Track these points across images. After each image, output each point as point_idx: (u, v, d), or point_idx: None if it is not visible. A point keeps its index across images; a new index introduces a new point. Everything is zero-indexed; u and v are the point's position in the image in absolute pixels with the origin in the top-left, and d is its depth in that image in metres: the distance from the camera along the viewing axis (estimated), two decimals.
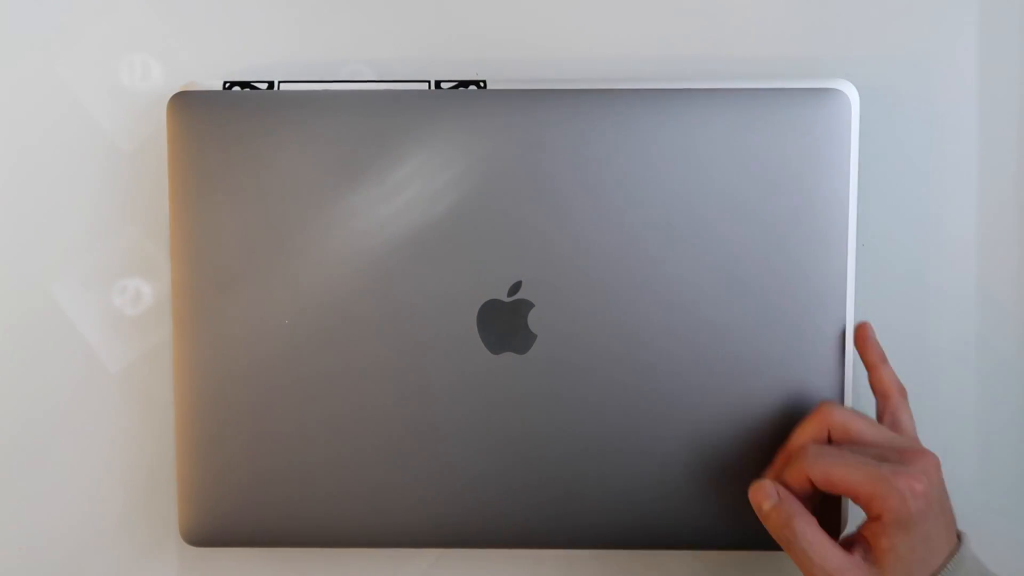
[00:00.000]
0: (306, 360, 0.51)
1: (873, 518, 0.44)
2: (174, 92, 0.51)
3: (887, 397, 0.50)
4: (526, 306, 0.50)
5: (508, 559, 0.56)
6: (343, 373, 0.51)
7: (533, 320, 0.50)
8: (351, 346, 0.50)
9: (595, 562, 0.56)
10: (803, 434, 0.48)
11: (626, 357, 0.50)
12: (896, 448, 0.46)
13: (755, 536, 0.51)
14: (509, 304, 0.50)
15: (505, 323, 0.50)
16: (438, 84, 0.52)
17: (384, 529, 0.52)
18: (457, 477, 0.51)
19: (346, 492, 0.51)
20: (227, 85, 0.52)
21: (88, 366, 0.55)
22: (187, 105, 0.51)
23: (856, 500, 0.44)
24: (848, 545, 0.47)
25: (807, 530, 0.45)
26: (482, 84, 0.51)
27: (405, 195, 0.50)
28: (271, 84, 0.52)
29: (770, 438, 0.51)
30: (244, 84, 0.52)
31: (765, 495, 0.46)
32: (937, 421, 0.54)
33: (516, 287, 0.50)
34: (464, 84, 0.52)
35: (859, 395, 0.52)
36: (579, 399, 0.51)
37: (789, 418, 0.51)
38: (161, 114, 0.51)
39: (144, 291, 0.55)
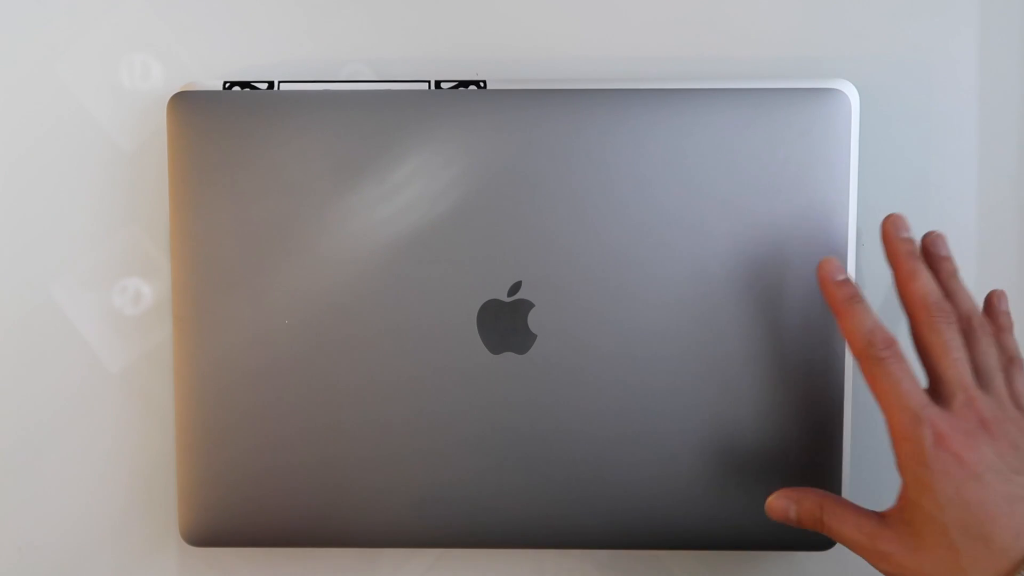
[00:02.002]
0: (306, 360, 0.51)
1: (896, 458, 0.41)
2: (174, 92, 0.51)
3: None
4: (526, 306, 0.50)
5: (508, 559, 0.56)
6: (343, 373, 0.51)
7: (533, 320, 0.50)
8: (351, 346, 0.50)
9: (595, 562, 0.56)
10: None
11: (626, 357, 0.50)
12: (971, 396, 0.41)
13: (755, 536, 0.51)
14: (509, 304, 0.50)
15: (505, 323, 0.50)
16: (438, 84, 0.52)
17: (384, 529, 0.51)
18: (457, 477, 0.51)
19: (346, 492, 0.51)
20: (227, 85, 0.52)
21: (88, 366, 0.55)
22: (187, 105, 0.51)
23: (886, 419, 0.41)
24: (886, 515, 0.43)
25: (837, 513, 0.43)
26: (482, 84, 0.51)
27: (405, 195, 0.50)
28: (271, 84, 0.52)
29: (770, 438, 0.51)
30: (244, 84, 0.52)
31: (784, 507, 0.45)
32: None
33: (516, 287, 0.50)
34: (464, 84, 0.52)
35: (859, 395, 0.52)
36: (579, 399, 0.51)
37: (789, 418, 0.51)
38: (161, 114, 0.52)
39: (144, 291, 0.55)
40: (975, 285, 0.55)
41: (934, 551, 0.39)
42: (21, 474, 0.56)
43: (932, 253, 0.47)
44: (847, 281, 0.45)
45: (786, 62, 0.54)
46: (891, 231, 0.46)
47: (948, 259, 0.47)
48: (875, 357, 0.42)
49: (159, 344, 0.55)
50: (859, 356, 0.43)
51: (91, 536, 0.56)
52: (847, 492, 0.52)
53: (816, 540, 0.51)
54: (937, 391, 0.42)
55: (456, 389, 0.51)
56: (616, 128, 0.50)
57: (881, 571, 0.42)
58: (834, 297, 0.44)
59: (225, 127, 0.50)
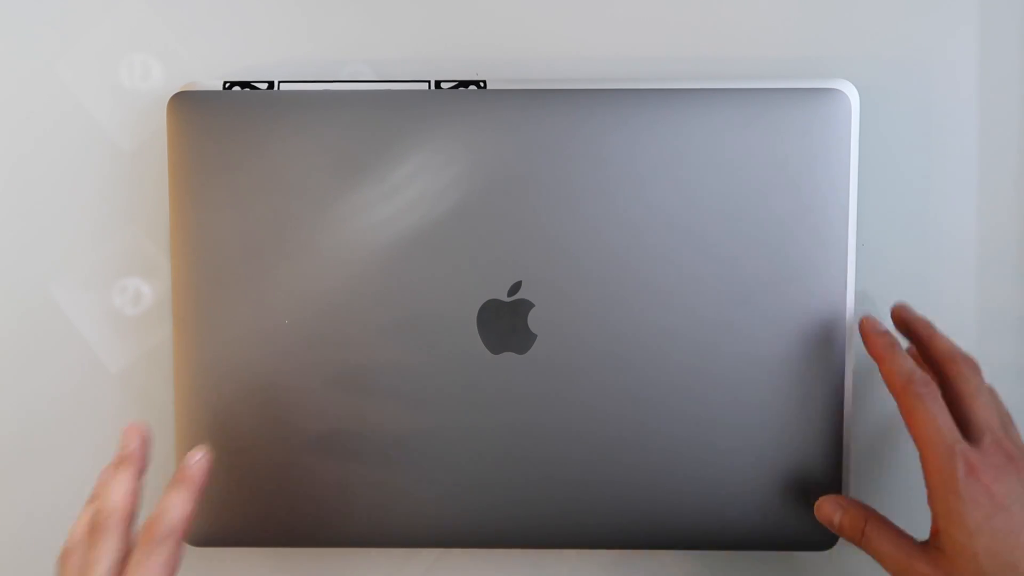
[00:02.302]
0: (306, 360, 0.51)
1: (927, 486, 0.44)
2: (174, 92, 0.51)
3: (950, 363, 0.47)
4: (526, 306, 0.50)
5: (508, 559, 0.56)
6: (343, 373, 0.51)
7: (533, 320, 0.50)
8: (351, 346, 0.50)
9: (595, 562, 0.56)
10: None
11: (626, 357, 0.50)
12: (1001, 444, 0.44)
13: (755, 536, 0.51)
14: (509, 304, 0.50)
15: (505, 323, 0.50)
16: (438, 84, 0.52)
17: (384, 529, 0.52)
18: (457, 477, 0.51)
19: (346, 492, 0.51)
20: (227, 85, 0.52)
21: (88, 366, 0.55)
22: (187, 105, 0.51)
23: (919, 449, 0.44)
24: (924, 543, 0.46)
25: (875, 531, 0.46)
26: (482, 84, 0.51)
27: (405, 195, 0.50)
28: (271, 84, 0.52)
29: (770, 437, 0.51)
30: (244, 84, 0.52)
31: (832, 510, 0.48)
32: None
33: (516, 287, 0.50)
34: (464, 84, 0.52)
35: (859, 395, 0.52)
36: (579, 399, 0.51)
37: (788, 416, 0.51)
38: (161, 114, 0.51)
39: (144, 291, 0.55)
40: (975, 286, 0.55)
41: (963, 575, 0.42)
42: (21, 473, 0.56)
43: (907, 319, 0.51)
44: (887, 332, 0.48)
45: (786, 62, 0.54)
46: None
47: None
48: (915, 393, 0.45)
49: (159, 344, 0.55)
50: (899, 392, 0.46)
51: None
52: (847, 492, 0.52)
53: (816, 540, 0.52)
54: (966, 432, 0.45)
55: (456, 389, 0.51)
56: (616, 128, 0.50)
57: None
58: (876, 344, 0.48)
59: (225, 127, 0.50)
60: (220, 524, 0.52)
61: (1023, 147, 0.55)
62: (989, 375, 0.55)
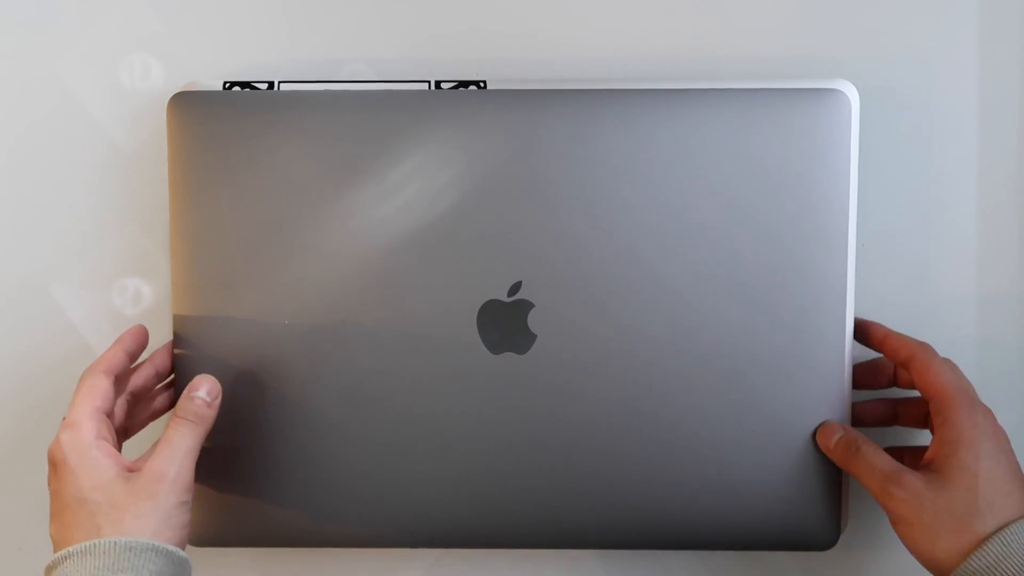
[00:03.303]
0: (306, 360, 0.51)
1: (940, 423, 0.47)
2: (174, 92, 0.51)
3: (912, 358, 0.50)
4: (526, 306, 0.50)
5: (508, 559, 0.56)
6: (343, 373, 0.51)
7: (533, 320, 0.50)
8: (351, 346, 0.50)
9: (596, 562, 0.56)
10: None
11: (626, 357, 0.50)
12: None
13: (755, 536, 0.51)
14: (509, 304, 0.50)
15: (505, 323, 0.50)
16: (438, 84, 0.52)
17: (384, 529, 0.51)
18: (457, 477, 0.51)
19: (346, 492, 0.51)
20: (227, 85, 0.52)
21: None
22: (187, 105, 0.51)
23: (933, 397, 0.48)
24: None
25: (870, 448, 0.49)
26: (482, 84, 0.51)
27: (405, 195, 0.50)
28: (271, 84, 0.52)
29: (770, 436, 0.51)
30: (244, 84, 0.52)
31: (832, 431, 0.50)
32: None
33: (516, 287, 0.50)
34: (464, 84, 0.52)
35: (859, 394, 0.52)
36: (579, 399, 0.50)
37: (789, 416, 0.51)
38: (161, 114, 0.51)
39: (144, 291, 0.55)
40: (975, 286, 0.55)
41: (958, 491, 0.45)
42: (21, 474, 0.56)
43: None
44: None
45: (786, 62, 0.54)
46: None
47: None
48: (948, 360, 0.49)
49: (159, 344, 0.55)
50: (923, 359, 0.50)
51: None
52: (846, 492, 0.52)
53: (816, 540, 0.51)
54: None
55: (456, 389, 0.51)
56: (615, 128, 0.50)
57: (890, 505, 0.47)
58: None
59: (225, 127, 0.50)
60: (220, 524, 0.52)
61: (1023, 147, 0.55)
62: (989, 374, 0.55)
